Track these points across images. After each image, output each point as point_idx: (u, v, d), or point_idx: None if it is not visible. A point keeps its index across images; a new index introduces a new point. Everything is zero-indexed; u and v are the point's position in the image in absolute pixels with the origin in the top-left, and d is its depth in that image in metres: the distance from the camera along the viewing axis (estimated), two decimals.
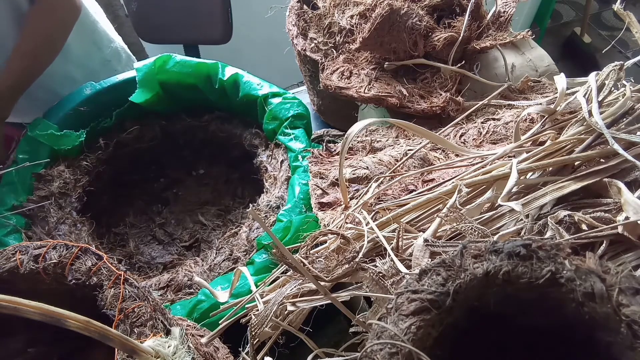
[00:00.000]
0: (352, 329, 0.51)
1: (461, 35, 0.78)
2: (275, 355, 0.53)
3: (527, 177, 0.54)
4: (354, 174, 0.67)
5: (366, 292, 0.48)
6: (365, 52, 0.84)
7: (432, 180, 0.64)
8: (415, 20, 0.76)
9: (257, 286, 0.58)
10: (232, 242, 0.76)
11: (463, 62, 0.78)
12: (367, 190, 0.62)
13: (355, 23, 0.83)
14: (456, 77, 0.79)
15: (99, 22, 1.05)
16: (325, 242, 0.57)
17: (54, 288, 0.44)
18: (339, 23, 0.86)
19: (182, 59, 0.89)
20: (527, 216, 0.50)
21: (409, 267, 0.48)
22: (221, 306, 0.60)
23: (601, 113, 0.52)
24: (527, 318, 0.40)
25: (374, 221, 0.55)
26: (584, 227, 0.46)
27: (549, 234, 0.46)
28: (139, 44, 1.68)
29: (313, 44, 0.90)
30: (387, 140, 0.76)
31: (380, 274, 0.47)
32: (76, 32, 0.92)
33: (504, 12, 0.85)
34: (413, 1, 0.80)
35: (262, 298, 0.56)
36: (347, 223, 0.58)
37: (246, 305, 0.57)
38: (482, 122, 0.74)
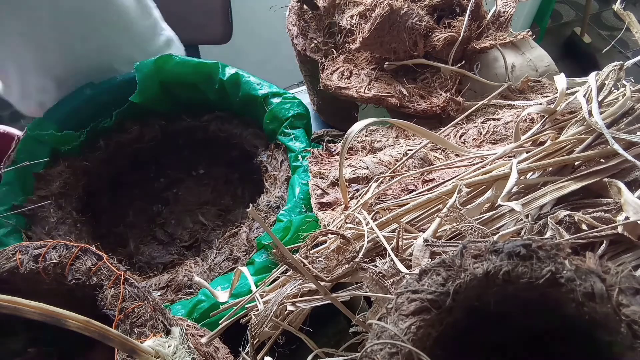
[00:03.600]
0: (352, 329, 0.51)
1: (461, 35, 0.78)
2: (275, 355, 0.53)
3: (527, 177, 0.54)
4: (354, 174, 0.67)
5: (366, 292, 0.48)
6: (365, 52, 0.84)
7: (432, 180, 0.64)
8: (415, 20, 0.76)
9: (257, 286, 0.58)
10: (232, 242, 0.76)
11: (463, 62, 0.78)
12: (367, 190, 0.62)
13: (355, 23, 0.83)
14: (456, 77, 0.79)
15: (153, 7, 1.05)
16: (325, 242, 0.57)
17: (54, 288, 0.44)
18: (339, 23, 0.86)
19: (182, 59, 0.89)
20: (527, 216, 0.50)
21: (409, 267, 0.48)
22: (221, 306, 0.60)
23: (601, 113, 0.52)
24: (527, 318, 0.40)
25: (374, 221, 0.55)
26: (584, 227, 0.46)
27: (549, 234, 0.46)
28: None
29: (313, 44, 0.90)
30: (387, 140, 0.76)
31: (380, 274, 0.47)
32: (140, 12, 0.92)
33: (504, 12, 0.85)
34: (413, 1, 0.80)
35: (262, 298, 0.56)
36: (347, 223, 0.58)
37: (246, 305, 0.57)
38: (482, 122, 0.74)
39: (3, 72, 0.91)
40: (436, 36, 0.78)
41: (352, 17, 0.84)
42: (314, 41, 0.90)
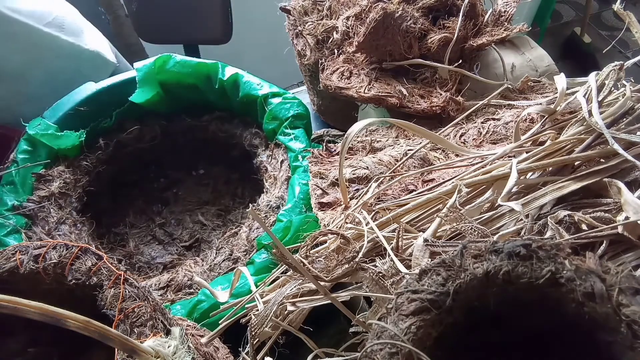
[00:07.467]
0: (352, 329, 0.51)
1: (455, 35, 0.77)
2: (275, 355, 0.53)
3: (527, 177, 0.54)
4: (354, 174, 0.67)
5: (366, 292, 0.48)
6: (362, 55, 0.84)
7: (432, 180, 0.64)
8: (409, 22, 0.76)
9: (257, 286, 0.58)
10: (232, 242, 0.76)
11: (460, 62, 0.78)
12: (367, 190, 0.62)
13: (351, 25, 0.83)
14: (456, 77, 0.79)
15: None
16: (325, 242, 0.57)
17: (54, 288, 0.44)
18: (336, 25, 0.86)
19: (182, 59, 0.89)
20: (527, 216, 0.49)
21: (409, 267, 0.48)
22: (221, 306, 0.60)
23: (601, 113, 0.52)
24: (527, 318, 0.40)
25: (374, 221, 0.55)
26: (584, 227, 0.46)
27: (549, 234, 0.46)
28: (139, 44, 1.68)
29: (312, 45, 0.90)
30: (387, 140, 0.76)
31: (380, 274, 0.47)
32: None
33: (505, 11, 0.85)
34: (407, 3, 0.80)
35: (262, 298, 0.56)
36: (347, 223, 0.58)
37: (246, 305, 0.57)
38: (482, 122, 0.74)
39: None
40: (430, 38, 0.78)
41: (347, 18, 0.84)
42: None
